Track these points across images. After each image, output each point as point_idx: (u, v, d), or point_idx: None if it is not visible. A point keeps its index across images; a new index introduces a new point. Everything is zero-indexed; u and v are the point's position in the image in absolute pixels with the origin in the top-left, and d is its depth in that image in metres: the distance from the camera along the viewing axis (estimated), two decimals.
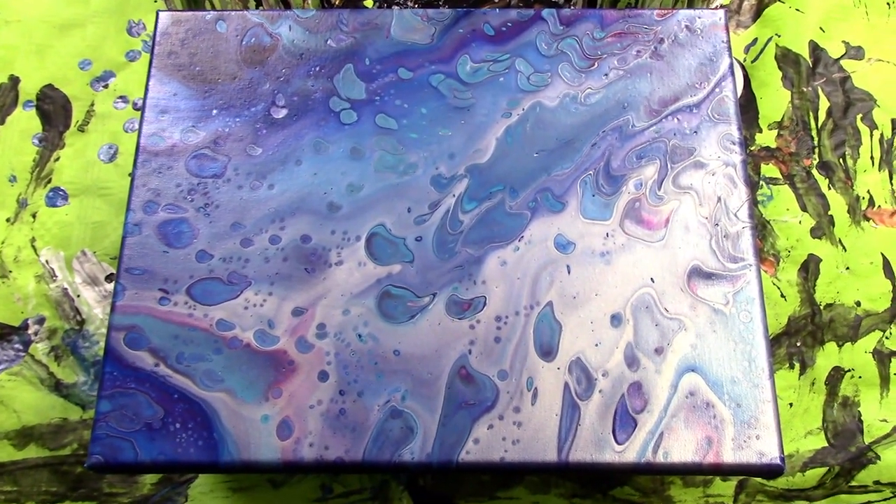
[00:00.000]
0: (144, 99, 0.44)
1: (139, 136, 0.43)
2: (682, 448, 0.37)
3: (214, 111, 0.43)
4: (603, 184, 0.42)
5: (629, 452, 0.37)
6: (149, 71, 0.44)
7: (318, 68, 0.44)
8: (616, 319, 0.39)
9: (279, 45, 0.45)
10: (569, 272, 0.40)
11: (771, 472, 0.37)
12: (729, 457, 0.37)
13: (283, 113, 0.43)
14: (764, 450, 0.37)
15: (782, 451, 0.37)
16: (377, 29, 0.45)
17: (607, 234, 0.41)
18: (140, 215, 0.41)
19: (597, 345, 0.39)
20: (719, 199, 0.41)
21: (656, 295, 0.39)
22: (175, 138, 0.43)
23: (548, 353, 0.39)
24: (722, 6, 0.57)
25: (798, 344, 0.50)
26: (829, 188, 0.54)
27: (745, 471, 0.37)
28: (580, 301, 0.39)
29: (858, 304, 0.51)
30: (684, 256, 0.40)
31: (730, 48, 0.45)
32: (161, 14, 0.45)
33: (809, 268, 0.52)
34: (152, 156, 0.42)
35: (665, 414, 0.37)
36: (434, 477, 0.48)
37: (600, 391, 0.38)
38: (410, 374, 0.38)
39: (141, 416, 0.38)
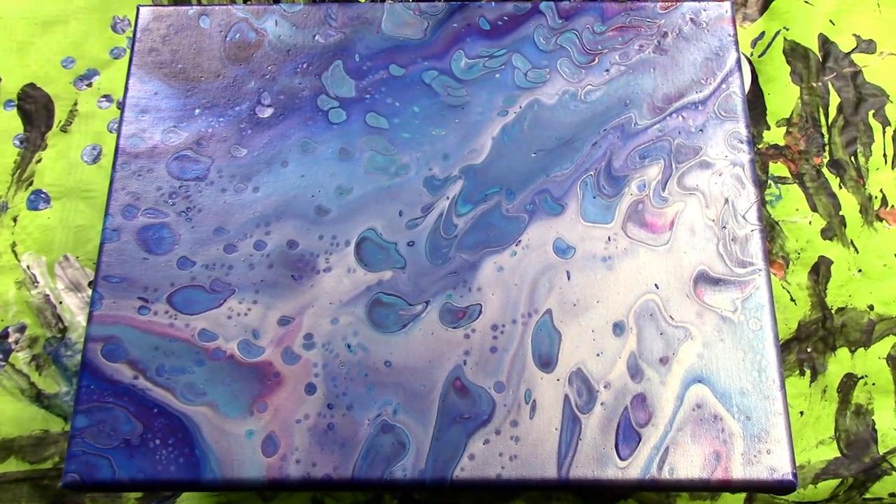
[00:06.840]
0: (124, 98, 0.42)
1: (118, 138, 0.41)
2: (688, 464, 0.35)
3: (197, 111, 0.42)
4: (604, 185, 0.40)
5: (633, 468, 0.35)
6: (129, 69, 0.42)
7: (305, 65, 0.42)
8: (619, 328, 0.37)
9: (265, 41, 0.43)
10: (569, 278, 0.38)
11: (783, 488, 0.35)
12: (738, 473, 0.35)
13: (268, 112, 0.41)
14: (775, 465, 0.35)
15: (795, 467, 0.35)
16: (367, 24, 0.43)
17: (609, 238, 0.39)
18: (119, 220, 0.39)
19: (598, 355, 0.37)
20: (727, 200, 0.39)
21: (661, 302, 0.38)
22: (156, 139, 0.41)
23: (547, 363, 0.37)
24: None
25: (809, 350, 0.48)
26: (841, 187, 0.52)
27: (755, 487, 0.35)
28: (581, 309, 0.37)
29: (871, 307, 0.49)
30: (690, 261, 0.38)
31: (737, 42, 0.43)
32: (141, 9, 0.44)
33: (820, 270, 0.50)
34: (132, 158, 0.41)
35: (671, 428, 0.36)
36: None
37: (602, 404, 0.36)
38: (402, 386, 0.36)
39: (119, 432, 0.36)
